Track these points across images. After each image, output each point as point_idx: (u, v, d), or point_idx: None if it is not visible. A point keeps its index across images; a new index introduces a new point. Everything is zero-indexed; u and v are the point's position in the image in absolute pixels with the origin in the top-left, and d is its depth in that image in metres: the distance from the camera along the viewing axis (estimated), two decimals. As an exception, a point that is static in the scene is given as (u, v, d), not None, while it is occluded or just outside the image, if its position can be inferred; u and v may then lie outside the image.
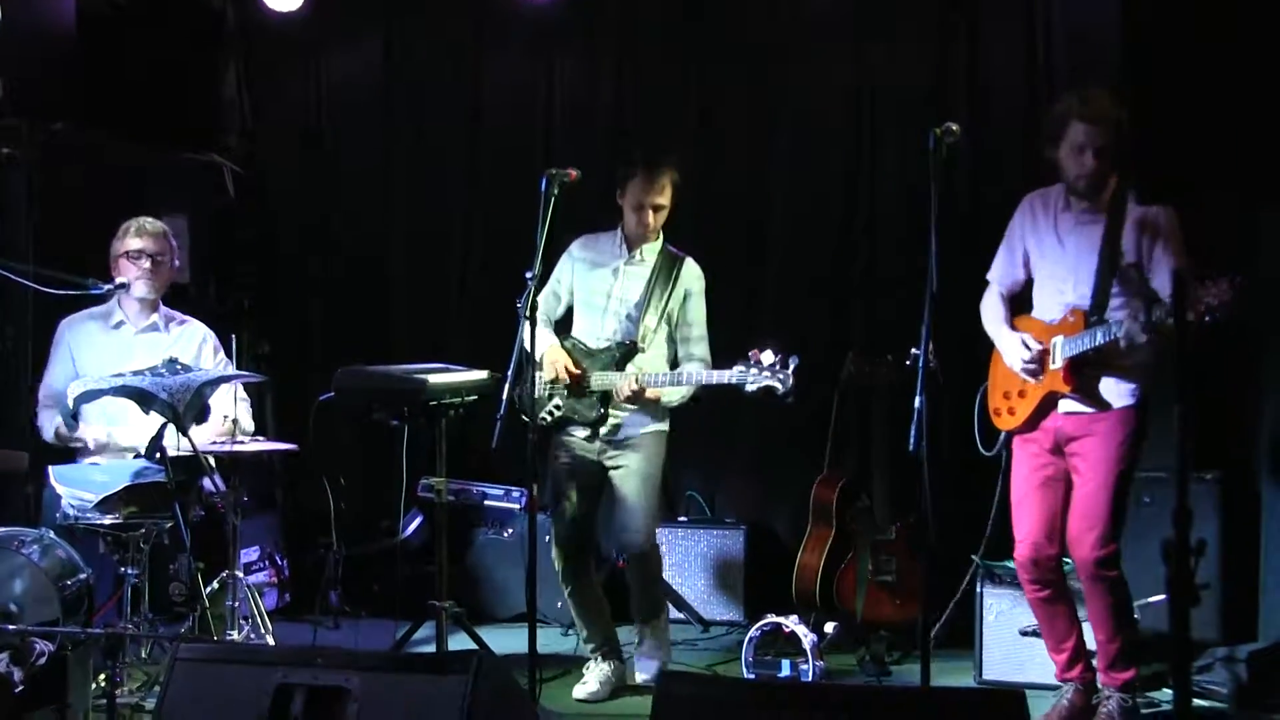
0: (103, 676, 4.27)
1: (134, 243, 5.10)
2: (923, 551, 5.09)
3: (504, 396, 4.39)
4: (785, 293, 6.25)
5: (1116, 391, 4.36)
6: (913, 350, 4.21)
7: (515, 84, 6.67)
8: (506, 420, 4.36)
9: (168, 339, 5.18)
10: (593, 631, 5.04)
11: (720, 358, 4.91)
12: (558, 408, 4.91)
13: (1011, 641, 4.95)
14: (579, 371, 4.87)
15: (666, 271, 4.90)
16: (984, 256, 5.80)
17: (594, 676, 4.93)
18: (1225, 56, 5.34)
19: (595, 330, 4.94)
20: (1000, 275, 4.64)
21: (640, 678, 5.03)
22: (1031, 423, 4.46)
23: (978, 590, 5.02)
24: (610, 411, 4.87)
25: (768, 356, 4.55)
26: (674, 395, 4.87)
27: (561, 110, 6.61)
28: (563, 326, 5.09)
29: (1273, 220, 5.13)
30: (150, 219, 5.18)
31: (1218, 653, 4.85)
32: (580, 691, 4.88)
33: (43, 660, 4.17)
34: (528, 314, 4.35)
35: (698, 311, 4.94)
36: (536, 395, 4.86)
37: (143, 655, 4.67)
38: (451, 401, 4.77)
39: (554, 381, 4.90)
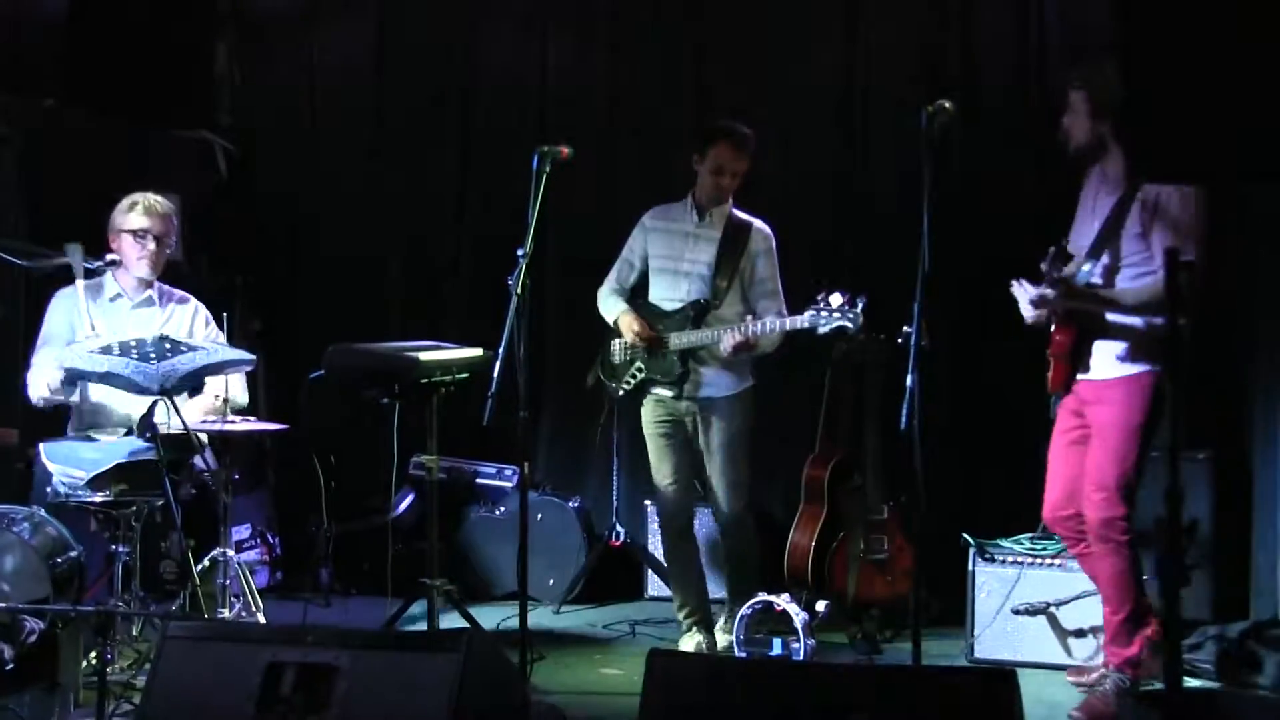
0: (93, 654, 4.27)
1: (141, 221, 5.03)
2: (914, 530, 5.11)
3: (495, 376, 4.38)
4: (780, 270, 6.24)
5: (1117, 359, 4.40)
6: (905, 329, 4.21)
7: (508, 61, 6.64)
8: (498, 398, 4.34)
9: (162, 315, 5.15)
10: (685, 596, 5.19)
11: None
12: (640, 370, 5.08)
13: (1003, 620, 4.96)
14: (654, 334, 5.02)
15: (736, 234, 5.06)
16: (976, 234, 5.82)
17: (688, 648, 5.04)
18: (1220, 34, 5.31)
19: (671, 293, 5.08)
20: (1071, 239, 4.64)
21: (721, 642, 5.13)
22: (1064, 385, 4.52)
23: (970, 569, 5.03)
24: (692, 368, 5.00)
25: (836, 299, 4.68)
26: (768, 344, 4.96)
27: (555, 87, 6.59)
28: (636, 294, 5.22)
29: (1261, 197, 5.13)
30: (158, 197, 5.10)
31: (1209, 631, 4.87)
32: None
33: (33, 638, 4.17)
34: (519, 292, 4.33)
35: (768, 267, 5.09)
36: (617, 361, 5.15)
37: (134, 633, 4.67)
38: (443, 379, 4.76)
39: (633, 346, 5.08)
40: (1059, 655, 4.87)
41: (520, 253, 4.36)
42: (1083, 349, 4.43)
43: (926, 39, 6.06)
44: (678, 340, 4.99)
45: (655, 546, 5.90)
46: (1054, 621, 4.89)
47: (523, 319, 4.40)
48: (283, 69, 6.92)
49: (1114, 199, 4.40)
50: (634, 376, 5.11)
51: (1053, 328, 4.45)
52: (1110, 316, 4.37)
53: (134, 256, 5.04)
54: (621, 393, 5.17)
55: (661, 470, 5.14)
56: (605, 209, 6.15)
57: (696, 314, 5.00)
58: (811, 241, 6.21)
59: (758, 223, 5.11)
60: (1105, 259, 4.37)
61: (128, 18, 6.22)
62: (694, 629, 5.13)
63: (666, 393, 5.07)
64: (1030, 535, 5.07)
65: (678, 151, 5.19)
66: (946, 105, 3.96)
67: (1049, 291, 4.37)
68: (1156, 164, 4.41)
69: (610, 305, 5.19)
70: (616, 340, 5.17)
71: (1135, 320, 4.35)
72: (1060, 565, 4.92)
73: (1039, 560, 4.93)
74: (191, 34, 6.67)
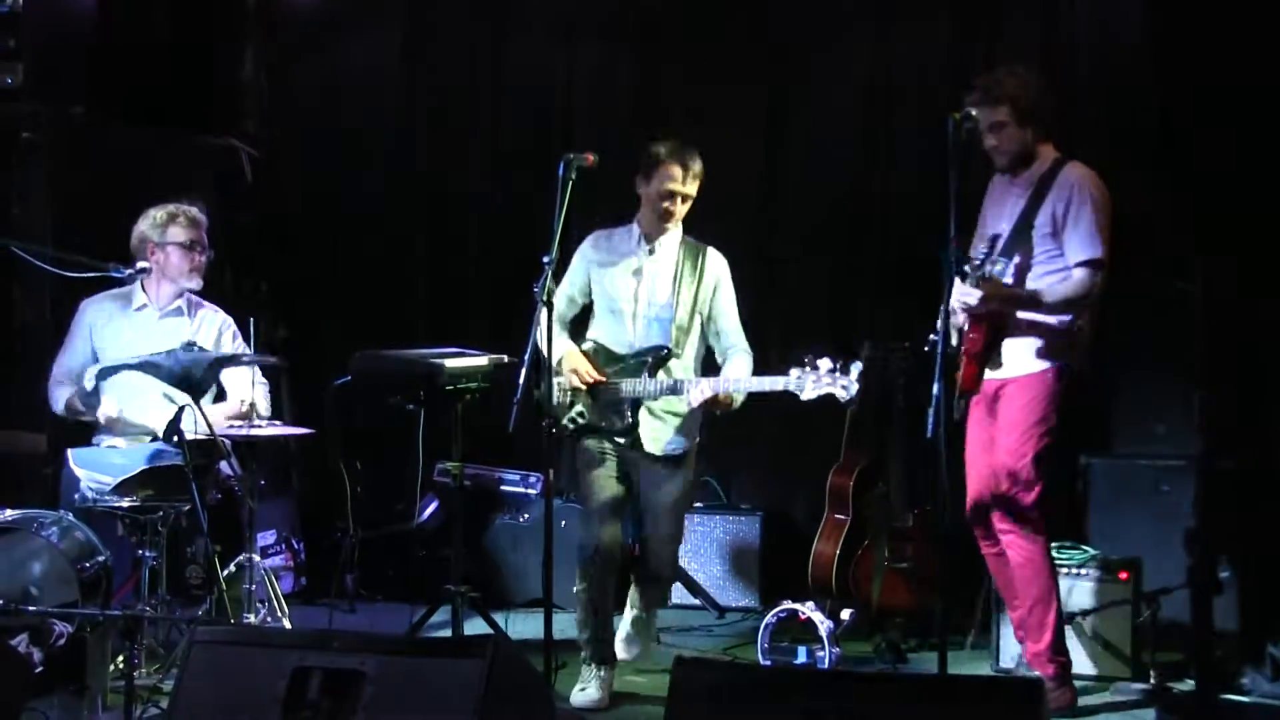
0: (120, 658, 4.29)
1: (189, 233, 5.08)
2: (939, 538, 5.08)
3: (520, 383, 4.37)
4: (802, 279, 6.24)
5: (1023, 355, 4.50)
6: (930, 336, 4.20)
7: (535, 67, 6.66)
8: (524, 405, 4.34)
9: (190, 324, 5.18)
10: (595, 633, 4.75)
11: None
12: (581, 415, 4.72)
13: (1028, 629, 4.93)
14: (601, 379, 4.68)
15: (691, 264, 4.68)
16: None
17: (594, 684, 4.68)
18: (1246, 39, 5.29)
19: (624, 336, 4.72)
20: (974, 250, 4.67)
21: (629, 653, 4.94)
22: (974, 386, 4.56)
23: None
24: (638, 420, 4.65)
25: (825, 363, 4.36)
26: (738, 397, 4.61)
27: (581, 94, 6.60)
28: (580, 326, 4.88)
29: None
30: (189, 206, 5.15)
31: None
32: (581, 699, 4.64)
33: (61, 641, 4.20)
34: (544, 299, 4.32)
35: (729, 302, 4.74)
36: (555, 402, 4.63)
37: (160, 638, 4.68)
38: (468, 386, 4.76)
39: (575, 389, 4.70)
40: (1085, 665, 4.83)
41: (546, 260, 4.35)
42: (994, 346, 4.49)
43: (954, 44, 6.05)
44: (631, 388, 4.62)
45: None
46: (1080, 631, 4.86)
47: (548, 326, 4.40)
48: (309, 74, 6.95)
49: (1025, 199, 4.49)
50: (575, 420, 4.72)
51: (966, 327, 4.49)
52: (1021, 314, 4.45)
53: (186, 269, 5.09)
54: (566, 433, 4.73)
55: (592, 497, 4.72)
56: (630, 215, 6.14)
57: (655, 362, 4.62)
58: (834, 248, 6.21)
59: (712, 250, 4.73)
60: (1017, 258, 4.45)
61: (154, 25, 6.26)
62: (598, 666, 4.72)
63: (608, 444, 4.71)
64: (1056, 544, 5.03)
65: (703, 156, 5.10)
66: (973, 113, 3.96)
67: (973, 296, 4.37)
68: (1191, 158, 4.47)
69: (554, 341, 4.58)
70: (559, 379, 4.68)
71: (1047, 318, 4.44)
72: (1086, 574, 4.90)
73: (1065, 569, 4.89)
74: (218, 40, 6.71)
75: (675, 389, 4.57)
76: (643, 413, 4.67)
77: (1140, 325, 5.38)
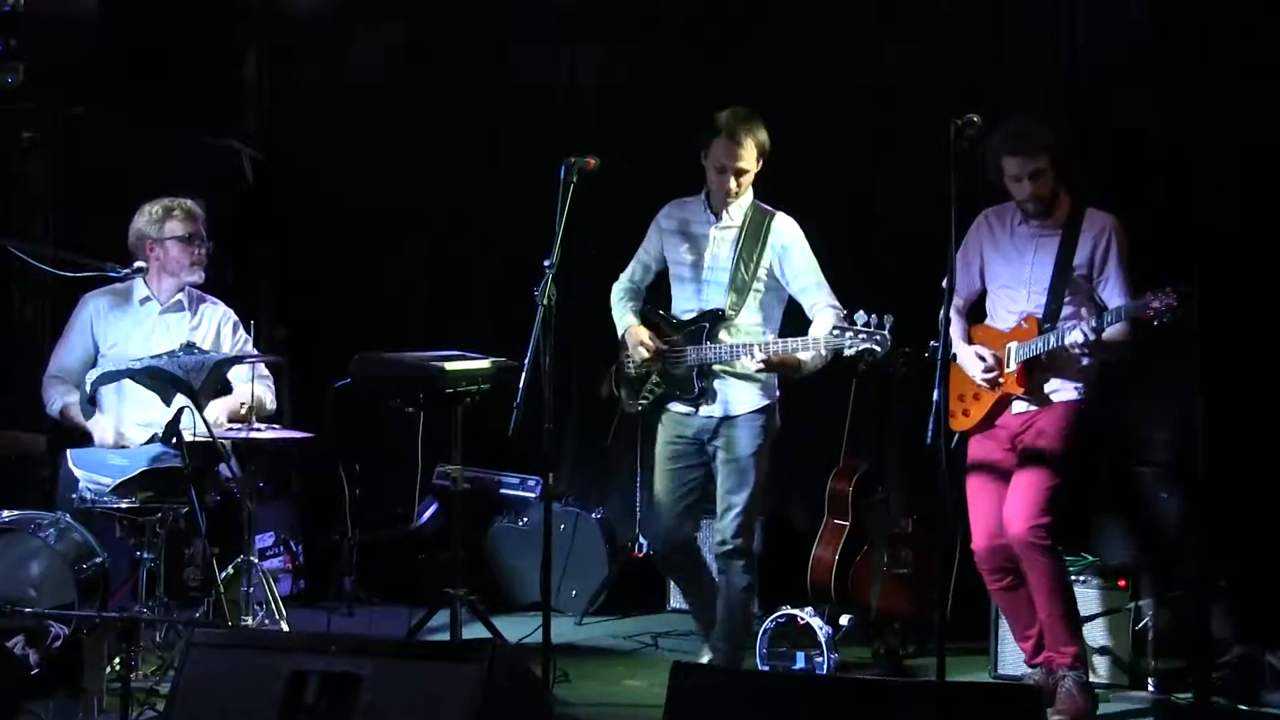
0: (117, 660, 4.28)
1: (187, 226, 5.07)
2: (938, 544, 5.08)
3: (521, 386, 4.37)
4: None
5: (1061, 388, 4.53)
6: (931, 343, 4.19)
7: (537, 69, 6.66)
8: (524, 408, 4.33)
9: (192, 319, 5.17)
10: (699, 616, 5.06)
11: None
12: (657, 385, 4.81)
13: (1028, 636, 4.92)
14: (664, 346, 4.73)
15: (755, 229, 4.67)
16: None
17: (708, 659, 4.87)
18: (1247, 40, 5.30)
19: (691, 303, 4.77)
20: (957, 286, 4.62)
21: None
22: (987, 422, 4.61)
23: (994, 584, 4.99)
24: (709, 384, 4.71)
25: (860, 317, 4.34)
26: (809, 362, 4.60)
27: (582, 95, 6.60)
28: (655, 297, 4.97)
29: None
30: (186, 200, 5.14)
31: (1235, 650, 4.81)
32: None
33: (58, 643, 4.20)
34: (544, 303, 4.32)
35: (803, 259, 4.70)
36: (633, 374, 4.85)
37: (157, 640, 4.68)
38: (468, 389, 4.76)
39: (646, 360, 4.78)
40: (1084, 672, 4.83)
41: (547, 263, 4.35)
42: (1032, 389, 4.52)
43: (956, 50, 6.04)
44: (694, 356, 4.68)
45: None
46: (1079, 638, 4.86)
47: (548, 330, 4.39)
48: (311, 76, 6.95)
49: (1053, 241, 4.50)
50: (651, 392, 4.83)
51: (1011, 367, 4.50)
52: (1074, 357, 4.45)
53: (186, 262, 5.08)
54: (640, 408, 4.89)
55: (659, 490, 4.87)
56: (633, 215, 6.14)
57: (711, 325, 4.68)
58: (833, 251, 6.18)
59: (780, 215, 4.74)
60: (1070, 302, 4.46)
61: (157, 24, 6.25)
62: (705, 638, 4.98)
63: (684, 409, 4.78)
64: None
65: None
66: (975, 119, 3.96)
67: (1080, 348, 4.34)
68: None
69: (620, 313, 4.90)
70: (625, 354, 4.89)
71: (1093, 359, 4.47)
72: (1084, 581, 4.89)
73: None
74: (220, 40, 6.70)
75: (733, 354, 4.60)
76: (710, 377, 4.71)
77: (1141, 331, 5.37)
